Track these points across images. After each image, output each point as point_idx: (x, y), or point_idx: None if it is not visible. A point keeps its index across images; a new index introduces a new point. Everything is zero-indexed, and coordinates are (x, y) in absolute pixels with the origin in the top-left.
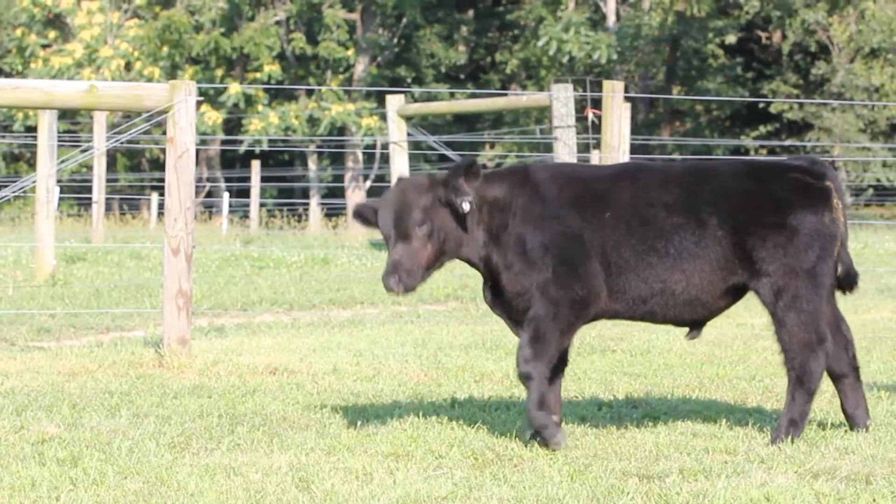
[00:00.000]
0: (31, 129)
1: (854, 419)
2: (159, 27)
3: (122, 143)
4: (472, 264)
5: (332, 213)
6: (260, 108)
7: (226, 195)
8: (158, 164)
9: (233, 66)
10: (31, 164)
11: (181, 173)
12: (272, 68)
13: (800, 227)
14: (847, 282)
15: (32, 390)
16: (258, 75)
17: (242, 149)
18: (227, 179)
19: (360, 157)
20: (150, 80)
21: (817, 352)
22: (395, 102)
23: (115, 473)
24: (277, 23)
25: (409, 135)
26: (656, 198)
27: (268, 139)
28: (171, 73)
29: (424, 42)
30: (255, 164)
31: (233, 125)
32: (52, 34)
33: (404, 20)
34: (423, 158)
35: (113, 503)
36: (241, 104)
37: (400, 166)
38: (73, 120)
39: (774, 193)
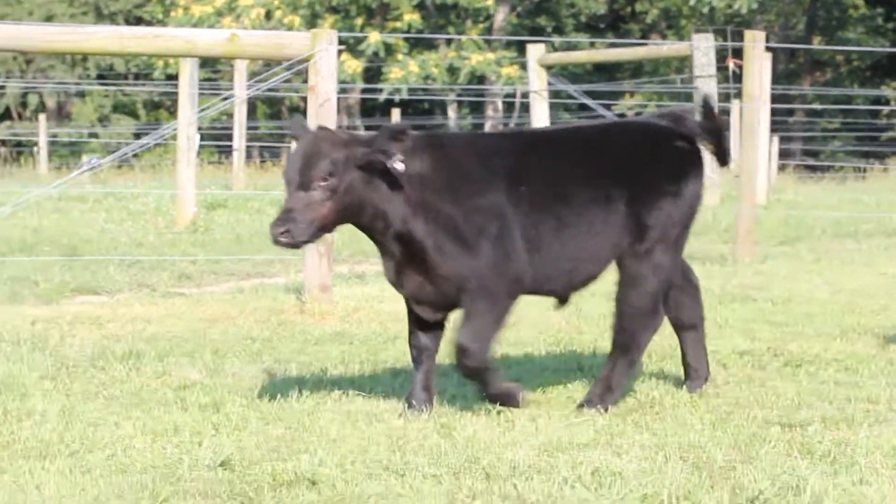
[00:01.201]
0: (172, 77)
1: (691, 373)
2: None
3: (262, 91)
4: (372, 234)
5: None
6: (400, 56)
7: None
8: (298, 111)
9: (372, 14)
10: (172, 112)
11: (323, 121)
12: (412, 17)
13: (685, 194)
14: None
15: (174, 336)
16: (398, 24)
17: (382, 97)
18: (367, 128)
19: (500, 106)
20: (289, 28)
21: (651, 326)
22: (535, 51)
23: (258, 419)
24: None
25: (549, 84)
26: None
27: (407, 88)
28: (311, 21)
29: None
30: (395, 113)
31: (372, 74)
32: None
33: None
34: (563, 107)
35: (255, 448)
36: (381, 53)
37: (540, 115)
38: (213, 68)
39: (667, 161)
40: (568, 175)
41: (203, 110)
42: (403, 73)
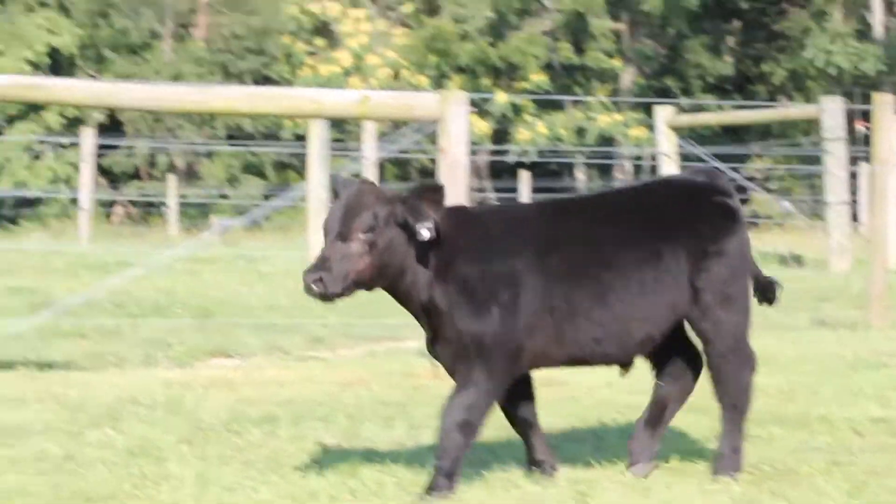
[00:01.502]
0: (300, 138)
1: (635, 447)
2: (426, 36)
3: (392, 152)
4: (405, 303)
5: None
6: (527, 117)
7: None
8: (427, 174)
9: (499, 75)
10: (301, 173)
11: (453, 183)
12: (539, 78)
13: (731, 253)
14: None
15: (309, 400)
16: (525, 85)
17: (511, 159)
18: (496, 189)
19: (628, 167)
20: (417, 88)
21: (745, 370)
22: (664, 113)
23: (394, 485)
24: (544, 32)
25: (679, 146)
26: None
27: (536, 150)
28: (438, 81)
29: (691, 52)
30: (524, 175)
31: (500, 135)
32: (319, 42)
33: (671, 30)
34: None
35: None
36: (509, 114)
37: None
38: (339, 128)
39: (708, 220)
40: (607, 237)
41: (336, 170)
42: (531, 135)
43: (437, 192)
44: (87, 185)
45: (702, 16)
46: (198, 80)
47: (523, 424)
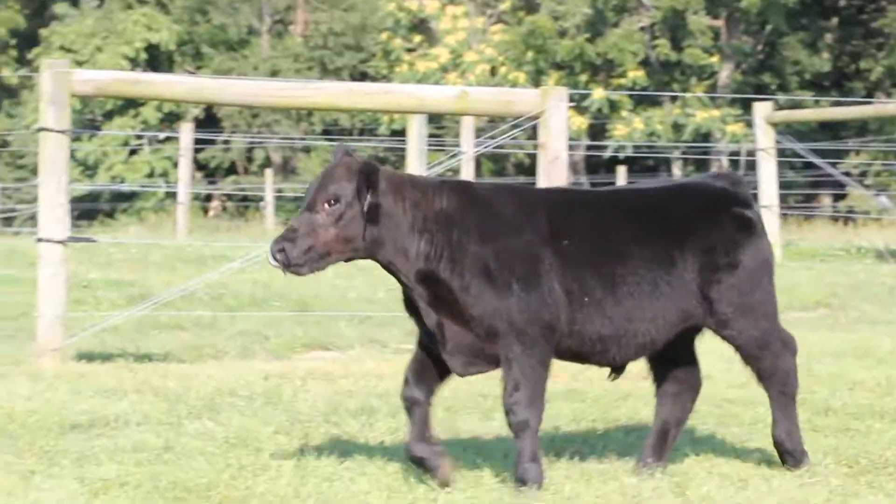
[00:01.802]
0: (396, 133)
1: (646, 463)
2: (524, 32)
3: (491, 147)
4: (395, 276)
5: None
6: (624, 113)
7: None
8: (523, 169)
9: (597, 71)
10: (397, 168)
11: (553, 179)
12: (636, 74)
13: (748, 264)
14: None
15: None
16: (622, 81)
17: (607, 154)
18: (593, 184)
19: (725, 163)
20: (514, 84)
21: (785, 356)
22: (762, 109)
23: (492, 476)
24: (641, 28)
25: (777, 142)
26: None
27: (632, 145)
28: (536, 78)
29: (788, 49)
30: (621, 170)
31: (597, 130)
32: (416, 38)
33: (768, 27)
34: (789, 165)
35: None
36: (606, 109)
37: (767, 173)
38: (437, 124)
39: (724, 230)
40: (619, 232)
41: (432, 166)
42: (628, 130)
43: (370, 173)
44: (184, 179)
45: (799, 12)
46: (295, 75)
47: (415, 403)
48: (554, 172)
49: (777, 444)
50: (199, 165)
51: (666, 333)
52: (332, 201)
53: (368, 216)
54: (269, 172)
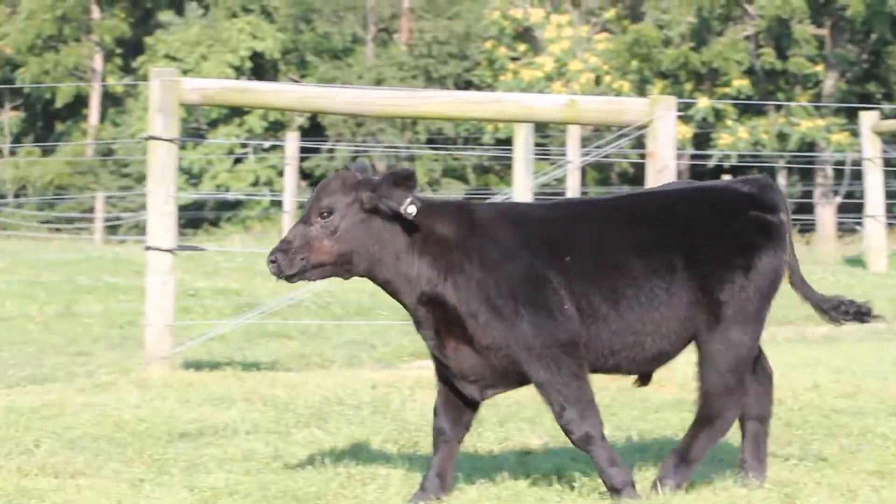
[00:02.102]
0: (501, 142)
1: (749, 468)
2: (628, 41)
3: (598, 156)
4: (395, 297)
5: (804, 229)
6: (729, 122)
7: None
8: (627, 178)
9: (701, 80)
10: (502, 177)
11: None
12: (741, 83)
13: (760, 269)
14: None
15: (515, 402)
16: (727, 90)
17: (711, 163)
18: None
19: (830, 173)
20: (618, 93)
21: (737, 402)
22: (868, 118)
23: (599, 486)
24: (746, 37)
25: (883, 151)
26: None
27: (737, 154)
28: (640, 87)
29: (894, 57)
30: (726, 179)
31: (701, 139)
32: (521, 47)
33: (873, 35)
34: (895, 175)
35: None
36: (710, 118)
37: (873, 182)
38: (540, 133)
39: (737, 233)
40: (622, 244)
41: (538, 176)
42: (733, 140)
43: (409, 178)
44: (290, 187)
45: None
46: (400, 84)
47: (442, 438)
48: (662, 181)
49: (663, 468)
50: (304, 174)
51: (674, 344)
52: (326, 213)
53: (408, 213)
54: None
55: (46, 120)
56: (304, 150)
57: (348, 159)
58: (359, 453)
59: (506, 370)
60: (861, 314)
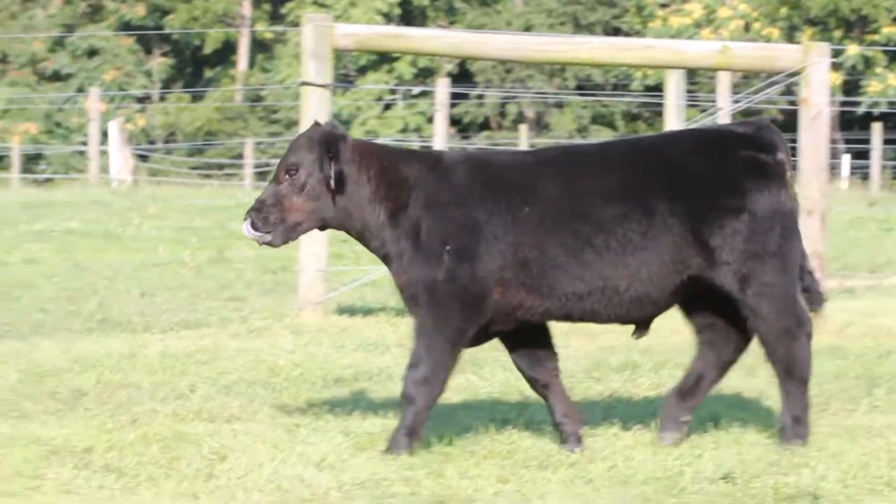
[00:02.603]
0: (650, 89)
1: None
2: None
3: (751, 103)
4: (367, 244)
5: None
6: (878, 70)
7: (846, 157)
8: (777, 125)
9: (850, 27)
10: (651, 124)
11: (814, 135)
12: (890, 30)
13: (756, 210)
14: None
15: (670, 348)
16: (876, 37)
17: (861, 110)
18: (846, 141)
19: None
20: (768, 40)
21: (800, 337)
22: None
23: (756, 433)
24: None
25: None
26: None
27: (887, 101)
28: (790, 34)
29: None
30: (876, 127)
31: (850, 87)
32: None
33: None
34: None
35: (755, 462)
36: (860, 66)
37: None
38: (690, 80)
39: (727, 174)
40: (591, 190)
41: (689, 123)
42: (882, 87)
43: (336, 138)
44: (440, 133)
45: None
46: (548, 30)
47: (540, 385)
48: (816, 128)
49: (780, 431)
50: (453, 121)
51: (660, 287)
52: (293, 170)
53: (330, 184)
54: (522, 128)
55: (195, 66)
56: (453, 96)
57: (497, 105)
58: (513, 399)
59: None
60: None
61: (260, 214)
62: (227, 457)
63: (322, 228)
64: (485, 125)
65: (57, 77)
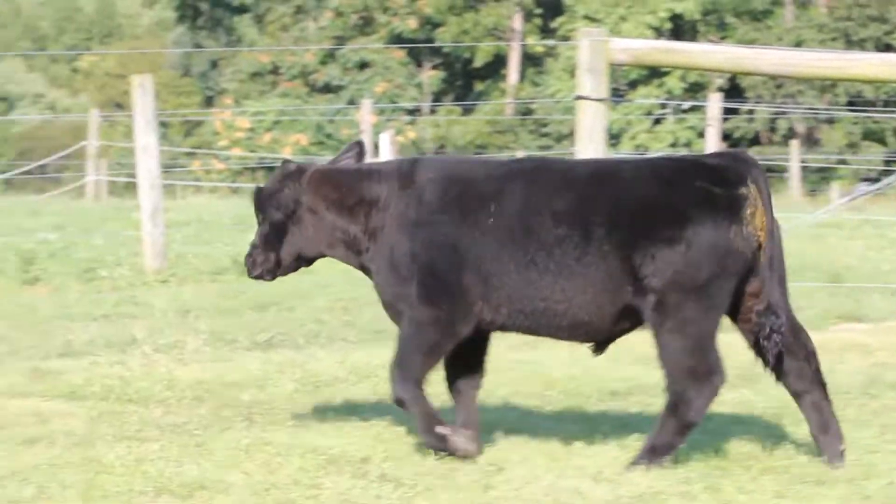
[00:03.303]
0: None
1: (822, 444)
2: None
3: None
4: (349, 264)
5: None
6: None
7: None
8: None
9: None
10: None
11: None
12: None
13: (693, 242)
14: (763, 327)
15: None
16: None
17: None
18: None
19: None
20: None
21: (702, 383)
22: None
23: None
24: None
25: None
26: (543, 203)
27: None
28: None
29: None
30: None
31: None
32: None
33: None
34: None
35: None
36: None
37: None
38: None
39: (671, 204)
40: (545, 210)
41: None
42: None
43: (291, 174)
44: (711, 148)
45: None
46: (819, 46)
47: (455, 391)
48: None
49: (638, 455)
50: (724, 135)
51: (596, 315)
52: (262, 212)
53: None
54: (793, 143)
55: (466, 79)
56: (724, 111)
57: (767, 121)
58: (788, 415)
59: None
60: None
61: (250, 258)
62: (504, 468)
63: (309, 261)
64: (755, 140)
65: (328, 89)
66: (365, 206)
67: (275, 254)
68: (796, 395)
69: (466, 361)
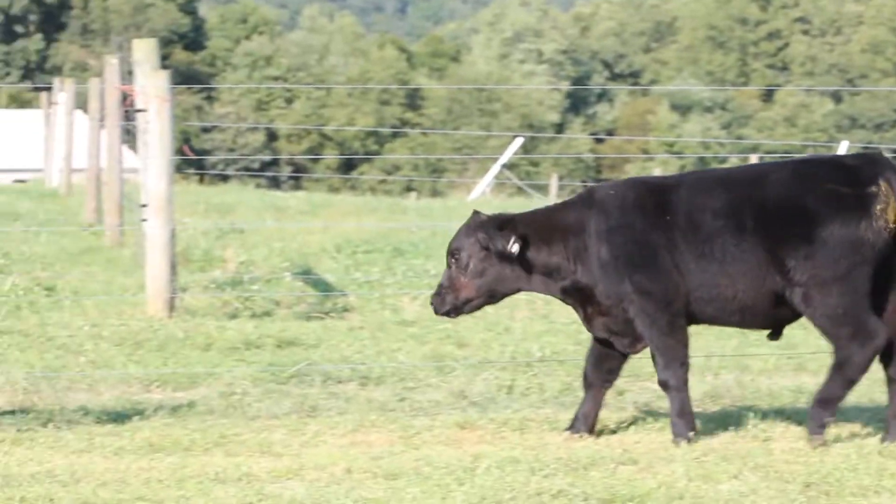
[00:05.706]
0: None
1: (890, 427)
2: None
3: None
4: (547, 293)
5: None
6: None
7: None
8: None
9: None
10: None
11: None
12: None
13: (828, 240)
14: None
15: None
16: None
17: None
18: None
19: None
20: None
21: (865, 344)
22: None
23: None
24: None
25: None
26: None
27: None
28: None
29: None
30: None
31: None
32: None
33: None
34: None
35: None
36: None
37: None
38: None
39: (804, 205)
40: (713, 208)
41: None
42: None
43: (505, 222)
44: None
45: None
46: None
47: (587, 383)
48: None
49: (810, 407)
50: None
51: (760, 298)
52: (456, 255)
53: (507, 254)
54: None
55: None
56: None
57: None
58: None
59: (627, 326)
60: None
61: (438, 297)
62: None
63: (494, 302)
64: None
65: None
66: (566, 233)
67: (462, 294)
68: (890, 381)
69: (608, 363)
